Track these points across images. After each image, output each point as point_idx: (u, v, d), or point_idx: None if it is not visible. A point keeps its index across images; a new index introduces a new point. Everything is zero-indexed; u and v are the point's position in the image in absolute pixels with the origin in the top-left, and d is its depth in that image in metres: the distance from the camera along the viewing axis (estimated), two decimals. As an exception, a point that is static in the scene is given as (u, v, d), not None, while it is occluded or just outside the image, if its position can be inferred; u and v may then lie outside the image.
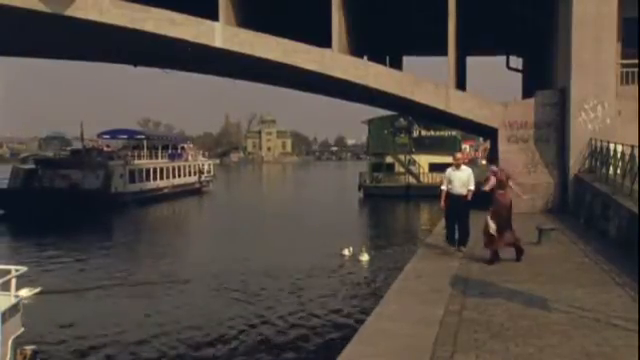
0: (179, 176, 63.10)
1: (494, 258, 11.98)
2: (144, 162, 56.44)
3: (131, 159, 54.60)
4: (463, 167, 13.60)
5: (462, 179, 13.22)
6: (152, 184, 56.21)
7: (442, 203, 13.38)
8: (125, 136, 64.63)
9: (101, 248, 30.06)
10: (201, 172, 69.81)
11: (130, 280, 22.21)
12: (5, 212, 41.73)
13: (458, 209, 13.25)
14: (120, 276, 22.90)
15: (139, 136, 63.86)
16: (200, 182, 68.70)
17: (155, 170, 57.35)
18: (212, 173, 74.43)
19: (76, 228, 36.52)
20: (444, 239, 13.83)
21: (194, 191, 65.34)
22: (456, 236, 13.42)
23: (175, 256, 28.33)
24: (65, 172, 45.95)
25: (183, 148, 69.77)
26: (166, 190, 58.63)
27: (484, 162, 68.30)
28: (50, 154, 61.51)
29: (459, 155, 14.16)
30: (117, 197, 48.44)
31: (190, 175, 66.47)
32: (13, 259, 25.27)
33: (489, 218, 12.03)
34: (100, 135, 63.88)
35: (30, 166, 48.79)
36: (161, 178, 58.42)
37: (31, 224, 36.35)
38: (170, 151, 64.19)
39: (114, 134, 64.16)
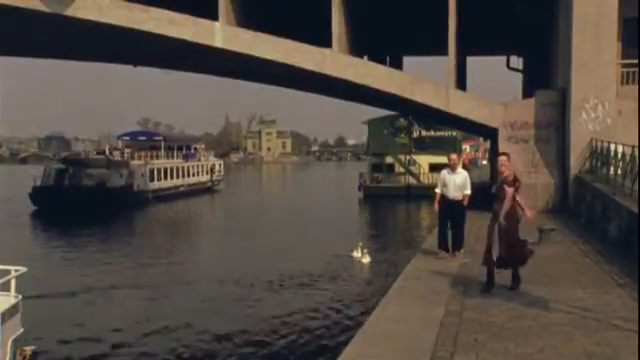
0: (193, 175, 65.72)
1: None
2: (162, 162, 59.61)
3: (150, 159, 57.57)
4: (459, 170, 12.62)
5: (457, 182, 12.36)
6: (169, 182, 59.35)
7: (436, 206, 12.56)
8: (144, 138, 67.65)
9: (126, 244, 31.21)
10: (212, 171, 71.77)
11: (143, 279, 22.41)
12: (39, 208, 44.40)
13: (453, 214, 12.43)
14: (138, 275, 23.24)
15: (157, 137, 67.57)
16: (212, 181, 70.73)
17: (172, 169, 60.55)
18: (222, 172, 76.26)
19: (104, 223, 38.75)
20: (437, 245, 12.78)
21: (206, 189, 67.84)
22: (449, 242, 12.54)
23: (190, 255, 28.82)
24: (92, 171, 48.64)
25: (196, 149, 72.29)
26: (182, 188, 61.33)
27: (485, 162, 68.35)
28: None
29: (454, 156, 12.95)
30: (139, 194, 52.39)
31: (203, 174, 68.92)
32: (44, 253, 27.56)
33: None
34: (120, 137, 67.68)
35: (60, 166, 51.21)
36: (177, 177, 61.49)
37: (63, 219, 38.69)
38: (184, 151, 66.72)
39: (134, 136, 67.28)
